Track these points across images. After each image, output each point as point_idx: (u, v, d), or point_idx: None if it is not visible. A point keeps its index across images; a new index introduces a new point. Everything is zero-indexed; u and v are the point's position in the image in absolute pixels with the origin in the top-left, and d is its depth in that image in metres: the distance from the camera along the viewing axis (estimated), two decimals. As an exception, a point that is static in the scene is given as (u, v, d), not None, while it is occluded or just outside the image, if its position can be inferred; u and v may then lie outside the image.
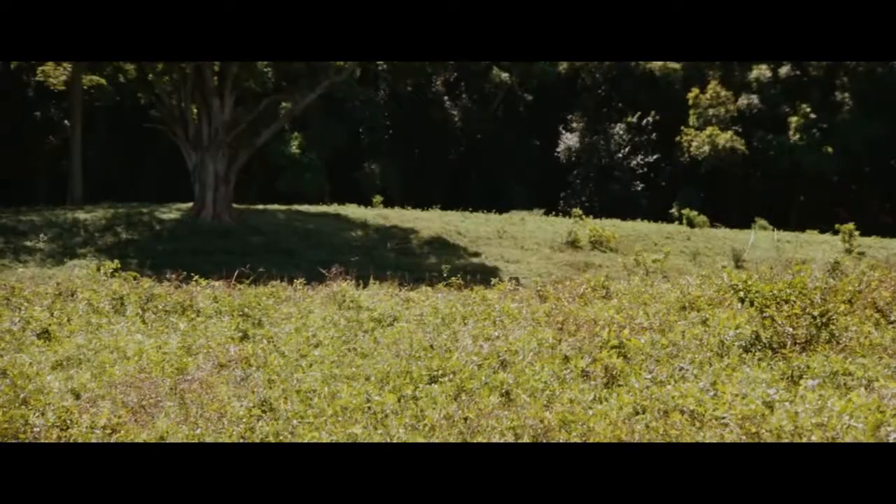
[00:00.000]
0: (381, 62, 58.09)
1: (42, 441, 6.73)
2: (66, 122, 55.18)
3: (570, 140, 62.74)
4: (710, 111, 59.60)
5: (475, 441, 6.39)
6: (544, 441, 6.31)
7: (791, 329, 8.01)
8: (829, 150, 57.96)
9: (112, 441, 6.74)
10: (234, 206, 42.44)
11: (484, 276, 24.72)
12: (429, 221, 42.50)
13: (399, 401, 7.14)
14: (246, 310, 10.71)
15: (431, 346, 8.77)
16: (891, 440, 5.56)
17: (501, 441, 6.35)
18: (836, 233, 41.88)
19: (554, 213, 49.12)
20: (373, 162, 60.06)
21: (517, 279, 26.42)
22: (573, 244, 38.51)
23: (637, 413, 6.58)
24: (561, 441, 6.25)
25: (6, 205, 43.01)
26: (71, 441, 6.73)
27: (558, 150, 62.65)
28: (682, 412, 6.42)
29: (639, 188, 60.38)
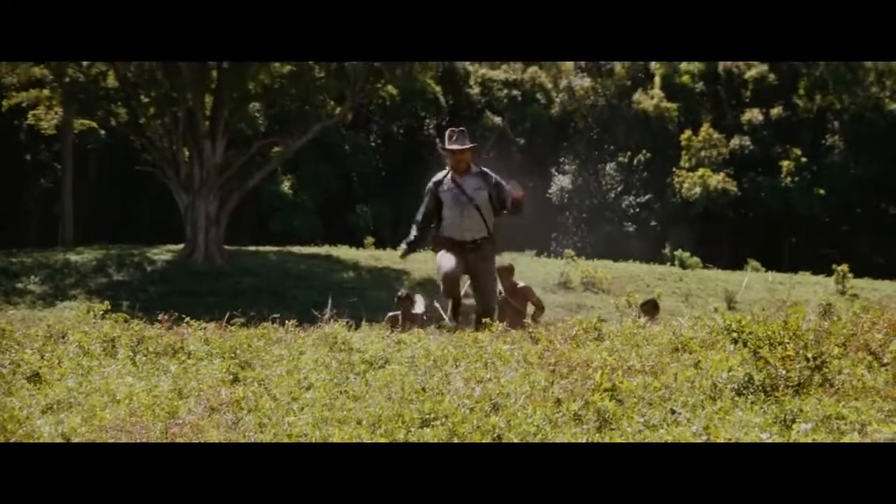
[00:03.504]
0: (373, 106, 58.48)
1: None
2: (57, 164, 55.29)
3: (562, 182, 62.97)
4: (703, 153, 59.96)
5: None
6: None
7: (784, 371, 7.97)
8: (821, 191, 58.30)
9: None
10: (226, 247, 42.45)
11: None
12: (421, 263, 42.43)
13: (391, 445, 7.10)
14: (237, 352, 10.63)
15: (423, 389, 8.70)
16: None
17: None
18: (830, 274, 41.96)
19: (546, 254, 49.12)
20: (364, 204, 60.17)
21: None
22: (565, 285, 38.51)
23: (630, 457, 6.55)
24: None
25: (-3, 247, 43.01)
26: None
27: (550, 191, 62.81)
28: (675, 456, 6.39)
29: (630, 229, 60.54)
